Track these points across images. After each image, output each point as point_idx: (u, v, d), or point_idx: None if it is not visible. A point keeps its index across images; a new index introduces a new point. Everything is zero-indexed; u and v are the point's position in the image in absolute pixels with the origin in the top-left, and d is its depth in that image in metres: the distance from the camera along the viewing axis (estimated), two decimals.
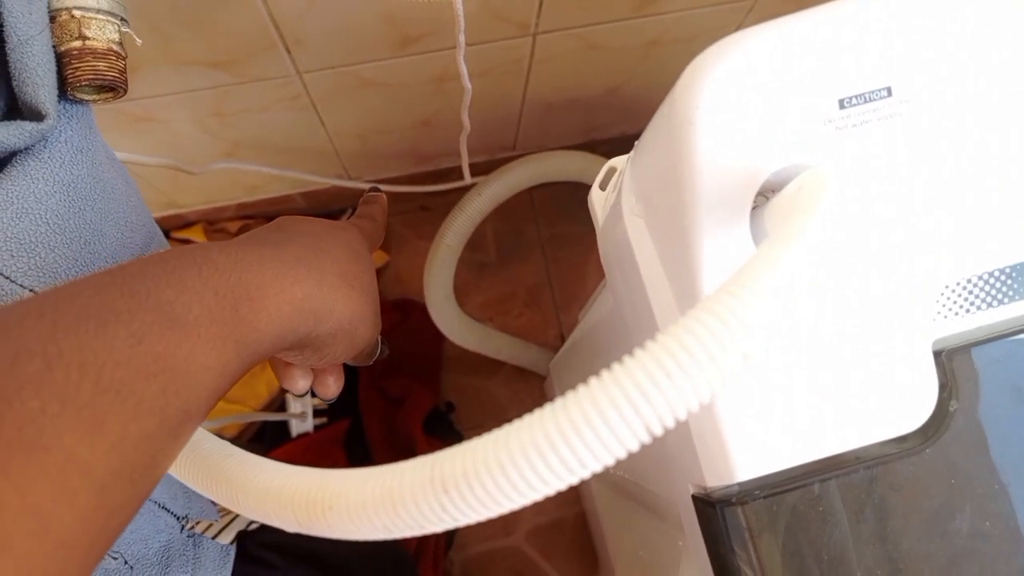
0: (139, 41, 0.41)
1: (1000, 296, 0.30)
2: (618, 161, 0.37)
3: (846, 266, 0.29)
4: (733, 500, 0.30)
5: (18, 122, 0.35)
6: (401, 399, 1.01)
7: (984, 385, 0.30)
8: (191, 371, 0.25)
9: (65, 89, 0.38)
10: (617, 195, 0.34)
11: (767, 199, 0.28)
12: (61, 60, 0.38)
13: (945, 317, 0.30)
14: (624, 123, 0.98)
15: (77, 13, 0.38)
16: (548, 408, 0.21)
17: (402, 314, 1.07)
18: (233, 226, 1.04)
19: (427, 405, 1.00)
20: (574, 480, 0.21)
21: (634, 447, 0.21)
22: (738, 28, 0.32)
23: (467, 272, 1.13)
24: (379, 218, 0.47)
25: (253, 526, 0.59)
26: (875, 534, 0.29)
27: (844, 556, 0.29)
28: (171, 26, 0.59)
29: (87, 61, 0.38)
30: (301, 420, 0.91)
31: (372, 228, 0.45)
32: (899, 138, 0.28)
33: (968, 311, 0.30)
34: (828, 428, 0.29)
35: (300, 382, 0.40)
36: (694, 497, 0.32)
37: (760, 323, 0.20)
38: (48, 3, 0.38)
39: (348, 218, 0.45)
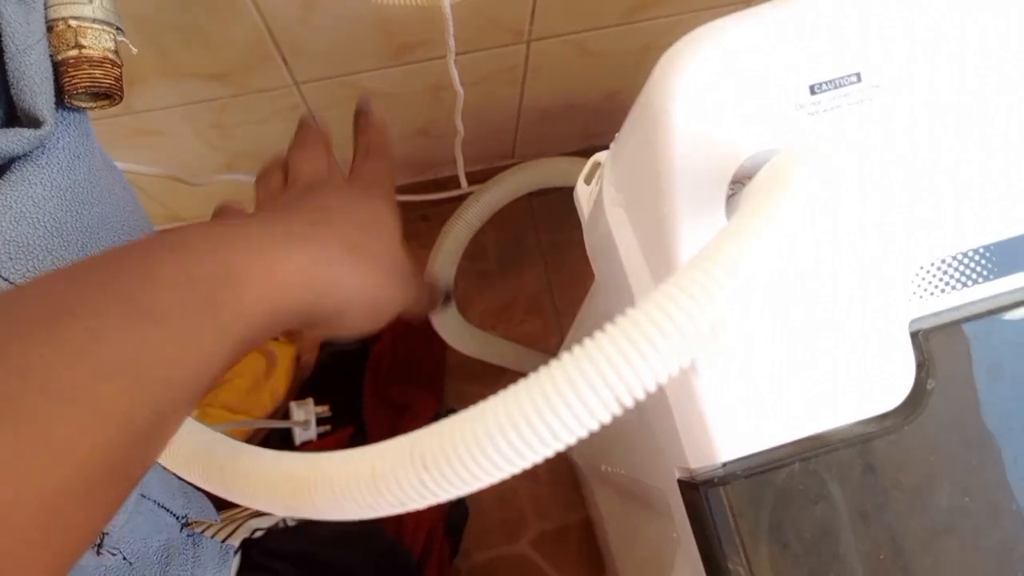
0: (135, 50, 0.42)
1: (975, 276, 0.30)
2: (602, 155, 0.38)
3: (822, 247, 0.29)
4: (716, 481, 0.30)
5: (16, 129, 0.36)
6: (405, 406, 1.01)
7: (961, 364, 0.30)
8: (160, 368, 0.23)
9: (62, 97, 0.39)
10: (599, 187, 0.34)
11: (744, 186, 0.29)
12: (58, 69, 0.39)
13: (921, 297, 0.30)
14: None
15: (73, 23, 0.39)
16: (523, 383, 0.22)
17: (404, 322, 1.08)
18: None
19: (431, 412, 1.01)
20: (549, 452, 0.22)
21: (606, 418, 0.22)
22: None
23: (468, 281, 1.13)
24: (382, 149, 0.44)
25: (258, 534, 0.60)
26: (857, 512, 0.29)
27: (826, 534, 0.30)
28: (169, 38, 0.60)
29: (83, 69, 0.39)
30: (304, 428, 0.92)
31: (381, 170, 0.42)
32: (870, 122, 0.28)
33: (944, 291, 0.30)
34: (808, 408, 0.30)
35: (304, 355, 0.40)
36: (680, 481, 0.33)
37: (726, 293, 0.21)
38: (45, 13, 0.39)
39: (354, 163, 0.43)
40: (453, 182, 0.89)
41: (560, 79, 0.83)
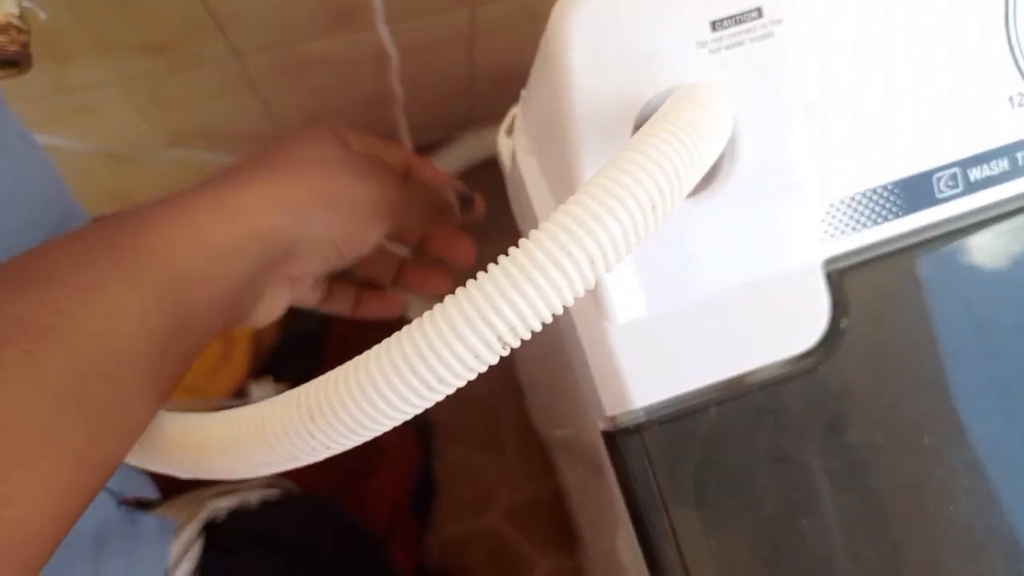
0: (43, 15, 0.41)
1: (885, 213, 0.30)
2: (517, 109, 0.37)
3: (732, 186, 0.29)
4: (633, 429, 0.30)
5: None
6: None
7: (874, 302, 0.30)
8: (64, 326, 0.23)
9: None
10: (515, 136, 0.34)
11: None
12: None
13: (833, 236, 0.30)
14: None
15: None
16: (405, 328, 0.22)
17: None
18: None
19: None
20: (438, 397, 0.22)
21: (491, 359, 0.21)
22: None
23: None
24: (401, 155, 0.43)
25: (221, 515, 0.59)
26: (773, 454, 0.29)
27: (744, 478, 0.30)
28: (99, 10, 0.59)
29: None
30: None
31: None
32: (773, 58, 0.28)
33: (855, 229, 0.30)
34: (722, 351, 0.30)
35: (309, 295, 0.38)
36: (602, 433, 0.33)
37: (607, 228, 0.21)
38: None
39: None
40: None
41: (512, 45, 0.82)
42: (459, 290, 0.21)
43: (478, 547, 1.11)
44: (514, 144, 0.34)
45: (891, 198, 0.30)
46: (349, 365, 0.22)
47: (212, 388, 0.96)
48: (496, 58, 0.84)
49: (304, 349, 1.00)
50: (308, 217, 0.32)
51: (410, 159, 0.44)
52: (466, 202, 0.41)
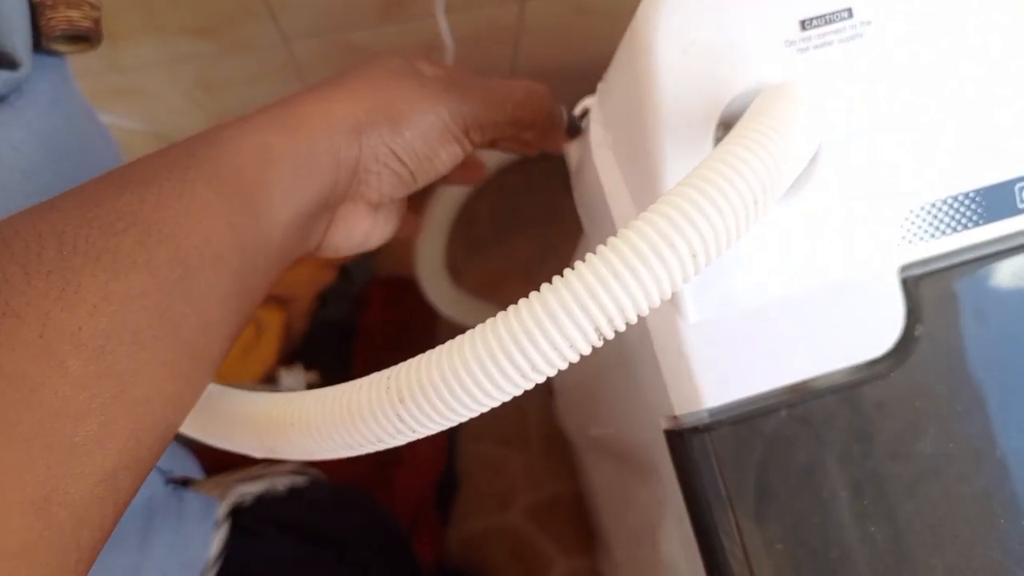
0: None
1: (965, 220, 0.30)
2: (591, 100, 0.37)
3: (812, 188, 0.29)
4: (701, 428, 0.30)
5: None
6: None
7: (949, 309, 0.30)
8: (166, 220, 0.24)
9: (40, 40, 0.38)
10: (587, 129, 0.34)
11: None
12: (35, 11, 0.38)
13: (910, 242, 0.30)
14: None
15: None
16: (501, 315, 0.22)
17: (394, 290, 1.07)
18: None
19: None
20: (528, 384, 0.22)
21: (585, 350, 0.21)
22: None
23: (462, 249, 1.13)
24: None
25: (248, 499, 0.59)
26: (841, 457, 0.29)
27: (812, 481, 0.29)
28: None
29: (60, 11, 0.38)
30: None
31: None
32: (862, 59, 0.28)
33: (934, 236, 0.30)
34: (793, 355, 0.30)
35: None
36: (666, 432, 0.32)
37: (711, 220, 0.20)
38: None
39: None
40: None
41: (556, 38, 0.82)
42: (556, 279, 0.21)
43: (498, 543, 1.11)
44: (588, 136, 0.34)
45: (972, 206, 0.30)
46: (442, 349, 0.22)
47: (241, 373, 0.97)
48: (540, 52, 0.84)
49: (334, 337, 1.00)
50: (365, 136, 0.32)
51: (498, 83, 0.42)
52: (573, 127, 0.39)
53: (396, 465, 0.93)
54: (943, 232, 0.30)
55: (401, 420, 0.22)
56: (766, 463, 0.30)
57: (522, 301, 0.21)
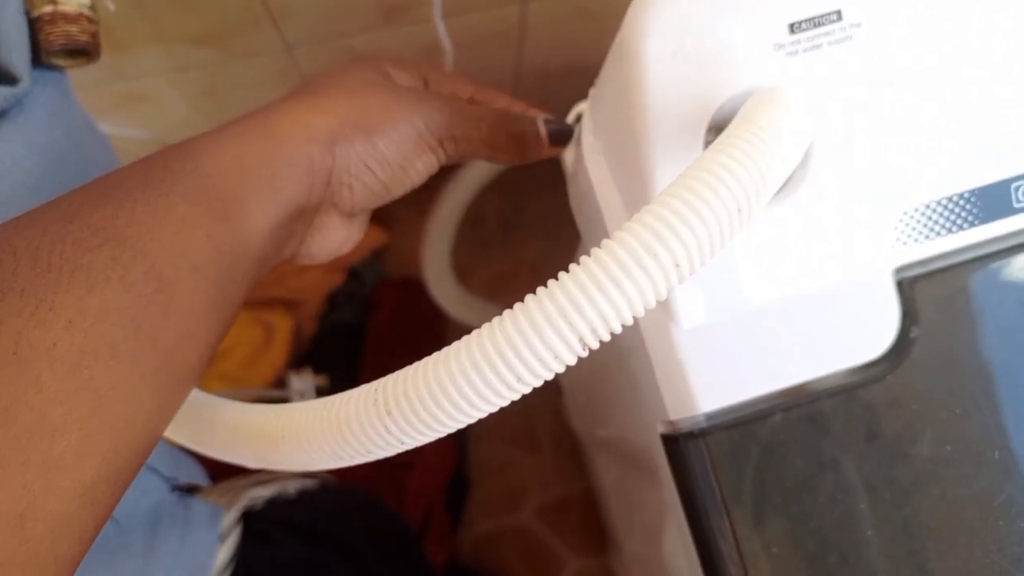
0: (111, 6, 0.42)
1: (961, 221, 0.29)
2: (584, 105, 0.37)
3: (804, 191, 0.29)
4: (696, 433, 0.30)
5: None
6: None
7: (945, 312, 0.30)
8: (140, 235, 0.24)
9: (39, 55, 0.38)
10: (579, 135, 0.34)
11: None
12: (33, 26, 0.38)
13: (905, 244, 0.29)
14: None
15: None
16: (486, 327, 0.22)
17: (403, 293, 1.08)
18: None
19: None
20: (514, 396, 0.22)
21: (570, 360, 0.21)
22: None
23: (469, 250, 1.13)
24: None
25: (258, 504, 0.60)
26: (838, 462, 0.29)
27: (808, 486, 0.29)
28: (156, 1, 0.60)
29: (59, 25, 0.39)
30: (302, 399, 0.92)
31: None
32: (852, 61, 0.28)
33: (929, 237, 0.29)
34: (788, 358, 0.29)
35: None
36: (662, 436, 0.32)
37: (694, 230, 0.20)
38: None
39: None
40: None
41: (559, 41, 0.82)
42: (540, 290, 0.21)
43: (509, 544, 1.11)
44: (581, 141, 0.34)
45: (967, 206, 0.29)
46: (428, 360, 0.22)
47: (251, 378, 0.97)
48: (543, 55, 0.84)
49: (343, 341, 1.00)
50: (339, 147, 0.32)
51: (474, 89, 0.42)
52: (558, 137, 0.38)
53: (406, 468, 0.93)
54: (938, 233, 0.29)
55: (389, 432, 0.22)
56: (762, 467, 0.29)
57: (507, 312, 0.22)
